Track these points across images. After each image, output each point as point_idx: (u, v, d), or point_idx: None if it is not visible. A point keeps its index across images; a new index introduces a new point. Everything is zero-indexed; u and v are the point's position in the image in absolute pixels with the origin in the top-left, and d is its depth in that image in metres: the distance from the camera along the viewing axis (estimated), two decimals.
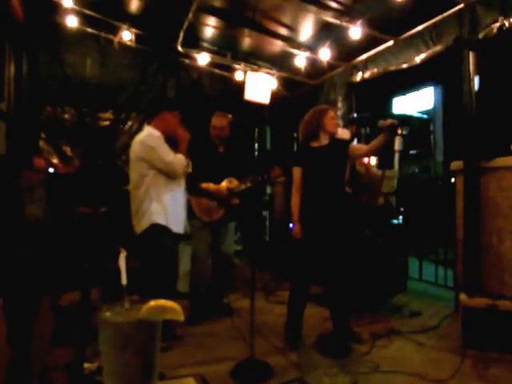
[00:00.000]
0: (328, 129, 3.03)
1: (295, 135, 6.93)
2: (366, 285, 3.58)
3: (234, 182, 3.71)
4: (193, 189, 3.46)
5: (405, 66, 4.34)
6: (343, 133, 3.62)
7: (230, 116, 3.95)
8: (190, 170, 3.34)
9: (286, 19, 4.84)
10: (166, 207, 3.01)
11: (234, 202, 3.72)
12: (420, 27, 4.07)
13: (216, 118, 3.76)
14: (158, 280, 2.93)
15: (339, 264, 2.96)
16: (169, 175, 3.03)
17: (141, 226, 3.00)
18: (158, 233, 2.98)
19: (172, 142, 3.12)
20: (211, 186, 3.63)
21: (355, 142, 3.32)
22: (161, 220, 2.98)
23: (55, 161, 5.48)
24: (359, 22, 4.25)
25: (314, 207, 3.00)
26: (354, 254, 3.15)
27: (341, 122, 4.97)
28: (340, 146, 3.05)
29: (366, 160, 3.95)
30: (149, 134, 3.06)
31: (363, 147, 3.08)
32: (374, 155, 4.16)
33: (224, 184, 3.69)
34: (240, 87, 5.31)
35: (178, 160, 3.04)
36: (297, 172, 3.09)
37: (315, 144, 3.07)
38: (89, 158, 5.55)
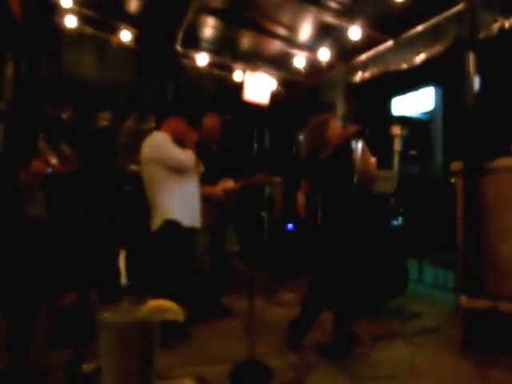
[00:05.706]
0: (333, 140, 3.00)
1: (294, 135, 6.93)
2: (366, 286, 3.55)
3: (230, 183, 3.70)
4: None
5: (404, 66, 4.34)
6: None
7: (220, 116, 3.96)
8: (203, 169, 3.35)
9: (285, 19, 4.84)
10: (177, 201, 3.05)
11: (231, 202, 3.71)
12: (420, 27, 4.07)
13: (207, 119, 3.78)
14: (168, 277, 2.96)
15: (352, 267, 2.94)
16: (179, 171, 3.08)
17: (155, 223, 3.06)
18: (171, 229, 3.02)
19: (179, 145, 3.15)
20: (207, 188, 3.62)
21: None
22: (172, 215, 3.02)
23: (54, 161, 5.47)
24: (359, 22, 4.25)
25: (332, 216, 2.97)
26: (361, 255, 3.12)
27: (340, 123, 4.95)
28: (344, 152, 3.00)
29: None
30: (155, 135, 3.17)
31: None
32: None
33: (220, 185, 3.68)
34: (239, 87, 5.30)
35: (188, 154, 3.11)
36: (304, 184, 3.22)
37: (322, 156, 3.04)
38: (87, 158, 5.54)
